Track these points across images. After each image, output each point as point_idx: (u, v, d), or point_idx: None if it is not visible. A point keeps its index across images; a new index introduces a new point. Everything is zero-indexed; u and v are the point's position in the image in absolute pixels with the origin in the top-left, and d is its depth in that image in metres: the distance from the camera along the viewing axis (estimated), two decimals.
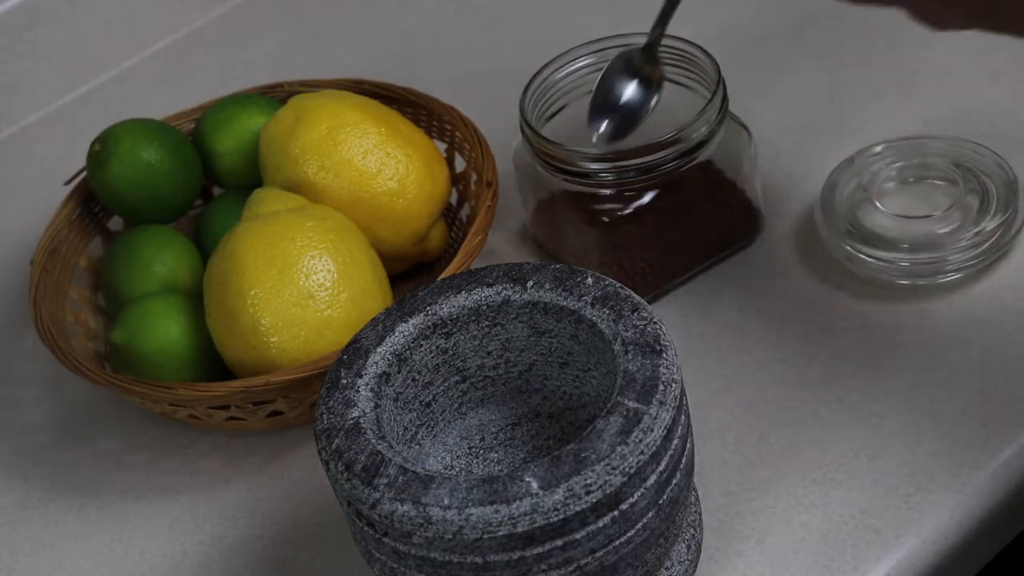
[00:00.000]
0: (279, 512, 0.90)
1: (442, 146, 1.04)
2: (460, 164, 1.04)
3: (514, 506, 0.70)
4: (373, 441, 0.74)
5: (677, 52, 0.95)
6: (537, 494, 0.70)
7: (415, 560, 0.73)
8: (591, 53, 0.97)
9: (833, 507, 0.83)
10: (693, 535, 0.81)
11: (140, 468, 0.95)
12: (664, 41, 0.96)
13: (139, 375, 0.92)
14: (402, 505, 0.71)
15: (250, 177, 1.01)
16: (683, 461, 0.75)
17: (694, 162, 0.93)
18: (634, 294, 0.78)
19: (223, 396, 0.88)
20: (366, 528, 0.74)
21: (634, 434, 0.72)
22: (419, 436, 0.82)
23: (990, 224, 0.93)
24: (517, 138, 0.97)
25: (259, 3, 1.28)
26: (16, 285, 1.09)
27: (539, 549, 0.71)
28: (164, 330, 0.92)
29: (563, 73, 0.97)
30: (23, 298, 1.07)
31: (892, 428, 0.86)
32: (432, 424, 0.83)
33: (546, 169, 0.94)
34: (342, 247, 0.91)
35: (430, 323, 0.80)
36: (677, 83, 0.96)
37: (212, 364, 0.93)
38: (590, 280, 0.79)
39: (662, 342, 0.76)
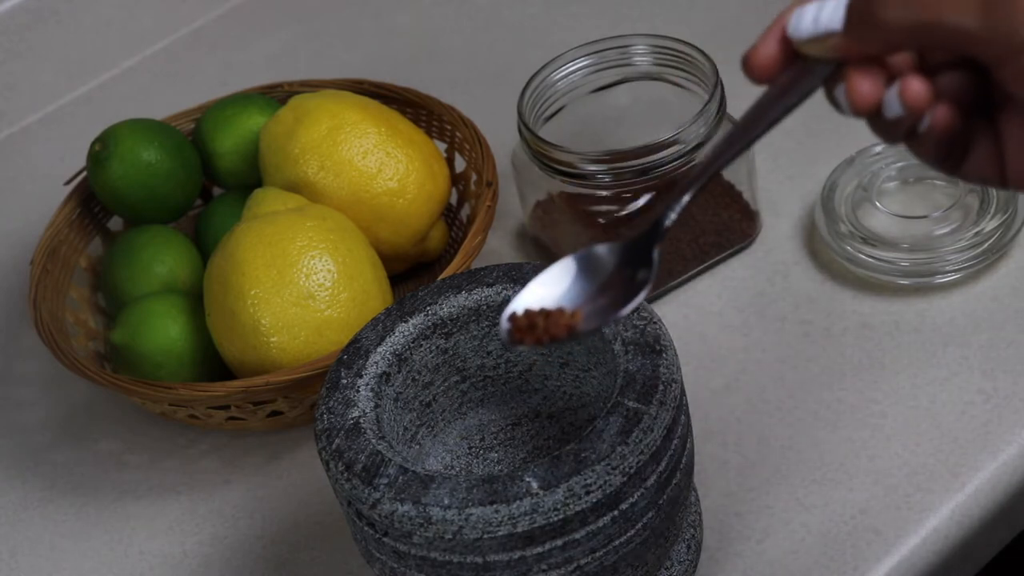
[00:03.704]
0: (279, 512, 0.90)
1: (442, 146, 1.04)
2: (460, 164, 1.04)
3: (514, 506, 0.70)
4: (373, 441, 0.74)
5: (675, 53, 0.95)
6: (537, 494, 0.70)
7: (415, 560, 0.73)
8: (589, 55, 0.97)
9: (833, 507, 0.83)
10: (693, 535, 0.81)
11: (140, 468, 0.95)
12: (662, 43, 0.96)
13: (139, 375, 0.92)
14: (402, 505, 0.71)
15: (250, 177, 1.01)
16: (683, 461, 0.75)
17: (692, 163, 0.93)
18: None
19: (223, 396, 0.88)
20: (366, 528, 0.74)
21: (634, 434, 0.72)
22: (419, 436, 0.82)
23: (990, 224, 0.93)
24: (517, 138, 0.97)
25: (259, 3, 1.28)
26: (16, 285, 1.08)
27: (539, 549, 0.71)
28: (164, 330, 0.92)
29: (561, 74, 0.97)
30: (23, 298, 1.07)
31: (892, 428, 0.86)
32: (432, 424, 0.83)
33: (544, 170, 0.94)
34: (342, 247, 0.91)
35: (430, 323, 0.80)
36: (675, 84, 0.96)
37: (212, 364, 0.93)
38: None
39: (662, 342, 0.76)
